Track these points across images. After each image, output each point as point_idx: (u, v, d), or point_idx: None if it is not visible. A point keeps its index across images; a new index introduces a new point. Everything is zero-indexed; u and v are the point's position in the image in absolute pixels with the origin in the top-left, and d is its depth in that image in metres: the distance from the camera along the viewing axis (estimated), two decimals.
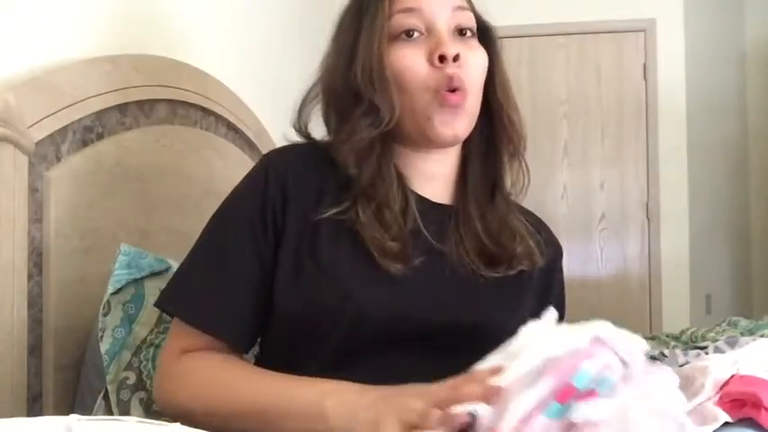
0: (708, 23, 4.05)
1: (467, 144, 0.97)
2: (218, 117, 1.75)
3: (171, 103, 1.52)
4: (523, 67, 3.83)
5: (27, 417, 1.01)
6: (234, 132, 1.82)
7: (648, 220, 3.82)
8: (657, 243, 3.80)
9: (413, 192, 0.93)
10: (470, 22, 0.94)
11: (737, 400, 1.19)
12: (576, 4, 3.79)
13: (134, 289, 1.17)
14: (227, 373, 0.84)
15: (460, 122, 0.91)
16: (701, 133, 3.91)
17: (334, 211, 0.88)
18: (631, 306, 3.75)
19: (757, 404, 1.16)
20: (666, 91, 3.78)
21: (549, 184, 3.81)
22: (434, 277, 0.90)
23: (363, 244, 0.86)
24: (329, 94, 0.95)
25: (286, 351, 0.88)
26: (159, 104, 1.48)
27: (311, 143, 0.97)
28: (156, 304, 0.93)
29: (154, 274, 1.19)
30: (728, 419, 1.15)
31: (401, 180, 0.93)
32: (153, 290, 1.16)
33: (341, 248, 0.87)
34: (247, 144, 1.88)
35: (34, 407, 1.10)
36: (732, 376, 1.26)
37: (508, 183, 0.98)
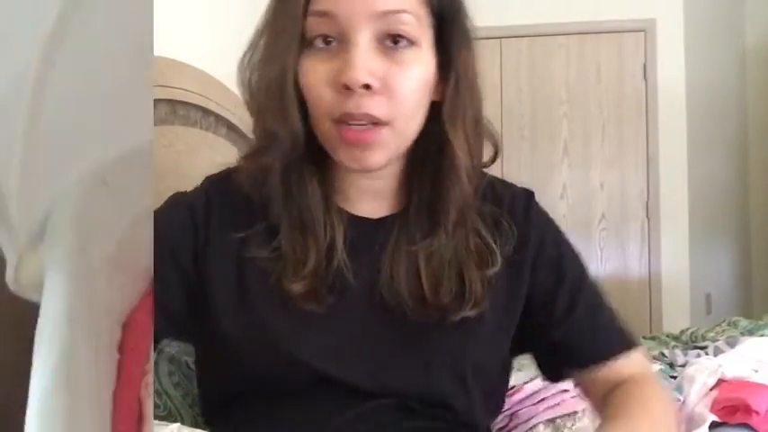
0: (708, 23, 4.05)
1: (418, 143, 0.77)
2: (218, 117, 1.75)
3: (171, 103, 1.52)
4: (523, 67, 3.81)
5: None
6: (234, 132, 1.82)
7: (648, 220, 3.82)
8: (657, 243, 3.80)
9: (346, 213, 0.80)
10: (405, 26, 0.70)
11: (730, 406, 1.28)
12: (576, 4, 3.79)
13: None
14: None
15: (372, 156, 0.73)
16: (701, 133, 3.90)
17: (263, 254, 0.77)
18: (631, 306, 3.75)
19: (748, 408, 1.25)
20: (666, 91, 3.78)
21: (548, 185, 3.81)
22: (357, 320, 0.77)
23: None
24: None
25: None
26: (159, 104, 1.47)
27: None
28: None
29: None
30: (715, 418, 1.24)
31: (328, 205, 0.78)
32: None
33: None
34: (247, 144, 1.88)
35: None
36: (719, 381, 1.35)
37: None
